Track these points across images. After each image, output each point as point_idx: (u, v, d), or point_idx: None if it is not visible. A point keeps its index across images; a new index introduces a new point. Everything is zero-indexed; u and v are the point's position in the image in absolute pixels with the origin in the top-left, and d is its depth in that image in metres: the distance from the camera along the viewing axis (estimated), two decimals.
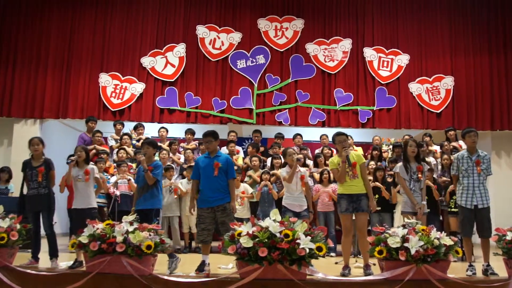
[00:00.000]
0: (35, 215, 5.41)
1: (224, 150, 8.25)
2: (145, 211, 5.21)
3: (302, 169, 5.94)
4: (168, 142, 8.66)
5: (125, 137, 8.40)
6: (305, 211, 5.84)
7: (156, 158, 7.92)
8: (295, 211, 5.74)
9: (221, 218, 5.00)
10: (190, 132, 8.91)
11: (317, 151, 8.54)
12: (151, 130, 9.72)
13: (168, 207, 7.49)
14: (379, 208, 6.79)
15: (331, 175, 7.54)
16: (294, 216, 5.41)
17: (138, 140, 8.47)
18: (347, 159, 5.12)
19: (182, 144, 8.88)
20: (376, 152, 8.23)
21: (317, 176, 7.80)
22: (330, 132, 9.69)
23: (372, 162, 7.93)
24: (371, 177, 7.25)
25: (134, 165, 7.86)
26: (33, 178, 5.42)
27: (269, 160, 8.28)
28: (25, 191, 5.55)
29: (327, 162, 8.07)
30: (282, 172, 5.93)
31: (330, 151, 8.26)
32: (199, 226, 5.10)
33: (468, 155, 5.33)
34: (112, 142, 8.65)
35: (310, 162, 8.31)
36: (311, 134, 10.21)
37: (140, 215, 4.89)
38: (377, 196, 7.15)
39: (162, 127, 8.90)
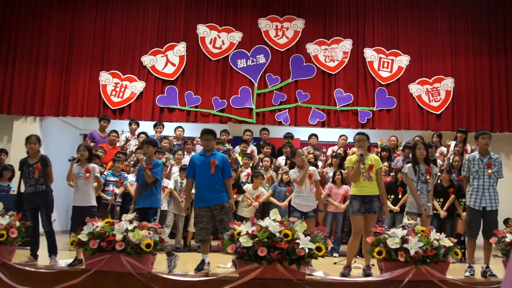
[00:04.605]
0: (33, 212, 5.38)
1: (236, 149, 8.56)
2: (144, 209, 5.22)
3: (311, 168, 5.87)
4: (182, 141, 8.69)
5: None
6: (312, 212, 5.72)
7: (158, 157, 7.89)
8: (302, 211, 5.66)
9: (220, 216, 4.96)
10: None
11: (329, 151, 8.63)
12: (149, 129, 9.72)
13: (177, 205, 7.48)
14: (397, 209, 6.99)
15: (344, 176, 7.54)
16: (300, 216, 5.40)
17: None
18: (361, 159, 5.10)
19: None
20: (385, 153, 8.15)
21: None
22: (329, 132, 9.77)
23: (386, 164, 7.80)
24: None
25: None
26: (30, 175, 5.40)
27: (281, 159, 8.29)
28: (22, 189, 5.54)
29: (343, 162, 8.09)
30: (292, 174, 5.88)
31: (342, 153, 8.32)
32: (197, 225, 5.04)
33: (480, 157, 5.29)
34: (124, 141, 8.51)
35: (320, 163, 8.23)
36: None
37: (139, 214, 4.89)
38: (392, 196, 7.15)
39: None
